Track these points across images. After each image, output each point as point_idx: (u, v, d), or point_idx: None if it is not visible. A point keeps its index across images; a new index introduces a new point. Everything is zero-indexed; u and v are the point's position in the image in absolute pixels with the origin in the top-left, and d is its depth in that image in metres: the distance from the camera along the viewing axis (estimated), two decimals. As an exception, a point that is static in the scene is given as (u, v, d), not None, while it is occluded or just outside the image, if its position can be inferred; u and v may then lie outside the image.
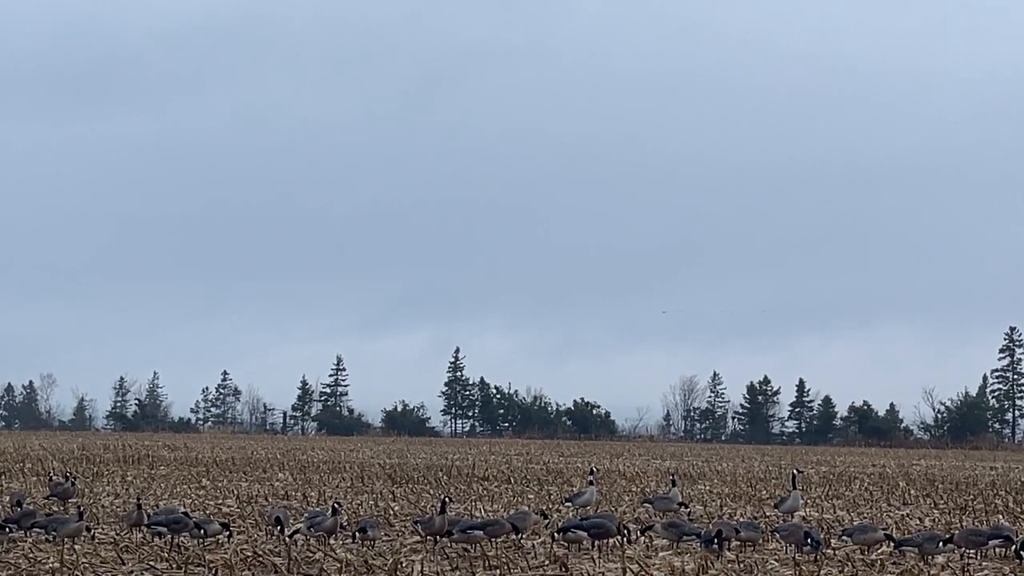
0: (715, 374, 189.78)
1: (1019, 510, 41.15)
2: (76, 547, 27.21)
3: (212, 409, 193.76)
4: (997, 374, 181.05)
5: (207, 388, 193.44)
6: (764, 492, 48.26)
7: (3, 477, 49.54)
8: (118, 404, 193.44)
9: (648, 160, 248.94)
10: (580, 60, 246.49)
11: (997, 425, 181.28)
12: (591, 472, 39.10)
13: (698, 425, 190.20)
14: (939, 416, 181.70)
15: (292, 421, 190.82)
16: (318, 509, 32.04)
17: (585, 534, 28.25)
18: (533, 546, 28.86)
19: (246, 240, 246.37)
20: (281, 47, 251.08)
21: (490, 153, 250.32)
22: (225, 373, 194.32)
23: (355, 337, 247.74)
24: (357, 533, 28.53)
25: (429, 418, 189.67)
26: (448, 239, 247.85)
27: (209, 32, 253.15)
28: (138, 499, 33.61)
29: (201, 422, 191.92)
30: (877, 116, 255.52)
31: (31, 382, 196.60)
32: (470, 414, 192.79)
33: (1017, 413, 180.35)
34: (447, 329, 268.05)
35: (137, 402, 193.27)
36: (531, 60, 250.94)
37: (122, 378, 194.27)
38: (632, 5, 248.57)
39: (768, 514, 37.64)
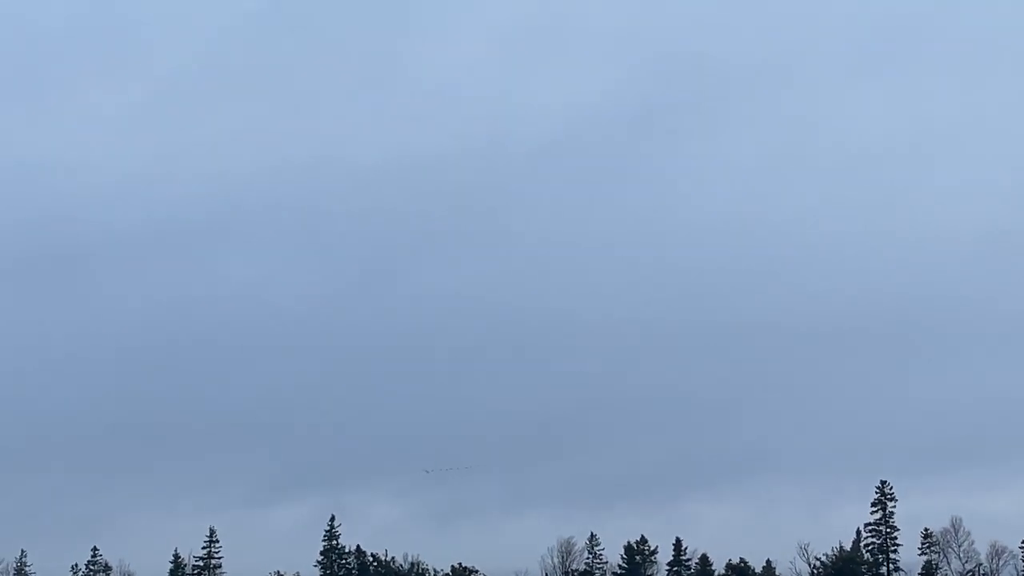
0: (592, 535, 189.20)
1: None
2: None
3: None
4: (870, 528, 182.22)
5: (76, 565, 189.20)
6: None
7: None
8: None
9: (539, 328, 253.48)
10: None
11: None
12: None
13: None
14: (815, 572, 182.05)
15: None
16: None
17: None
18: None
19: (123, 419, 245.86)
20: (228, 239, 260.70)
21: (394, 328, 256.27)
22: (95, 549, 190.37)
23: (236, 510, 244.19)
24: None
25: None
26: (339, 412, 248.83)
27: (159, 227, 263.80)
28: None
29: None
30: (760, 283, 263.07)
31: None
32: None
33: (892, 567, 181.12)
34: (333, 500, 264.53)
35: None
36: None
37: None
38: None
39: None
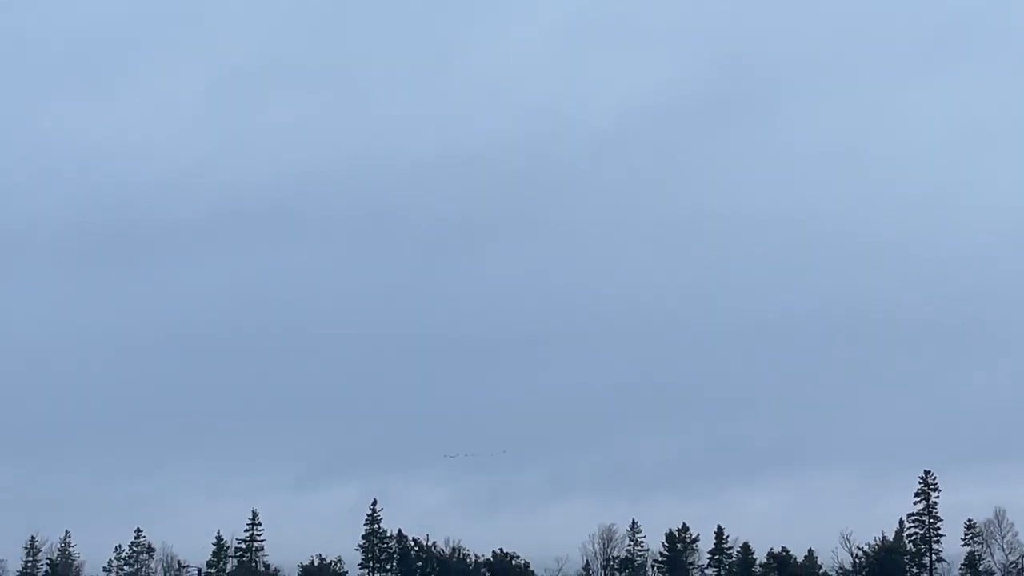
0: (634, 522, 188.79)
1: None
2: None
3: (125, 567, 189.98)
4: (913, 518, 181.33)
5: (120, 546, 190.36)
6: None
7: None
8: (29, 564, 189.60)
9: (584, 316, 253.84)
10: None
11: (915, 569, 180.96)
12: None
13: (618, 575, 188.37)
14: (857, 561, 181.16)
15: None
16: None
17: None
18: None
19: (169, 402, 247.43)
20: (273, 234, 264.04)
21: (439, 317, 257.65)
22: (139, 530, 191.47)
23: (279, 494, 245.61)
24: None
25: (347, 572, 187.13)
26: (382, 397, 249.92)
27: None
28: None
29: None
30: (810, 274, 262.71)
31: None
32: (388, 567, 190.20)
33: (934, 558, 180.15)
34: (375, 484, 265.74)
35: (48, 562, 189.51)
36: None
37: (33, 538, 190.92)
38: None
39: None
